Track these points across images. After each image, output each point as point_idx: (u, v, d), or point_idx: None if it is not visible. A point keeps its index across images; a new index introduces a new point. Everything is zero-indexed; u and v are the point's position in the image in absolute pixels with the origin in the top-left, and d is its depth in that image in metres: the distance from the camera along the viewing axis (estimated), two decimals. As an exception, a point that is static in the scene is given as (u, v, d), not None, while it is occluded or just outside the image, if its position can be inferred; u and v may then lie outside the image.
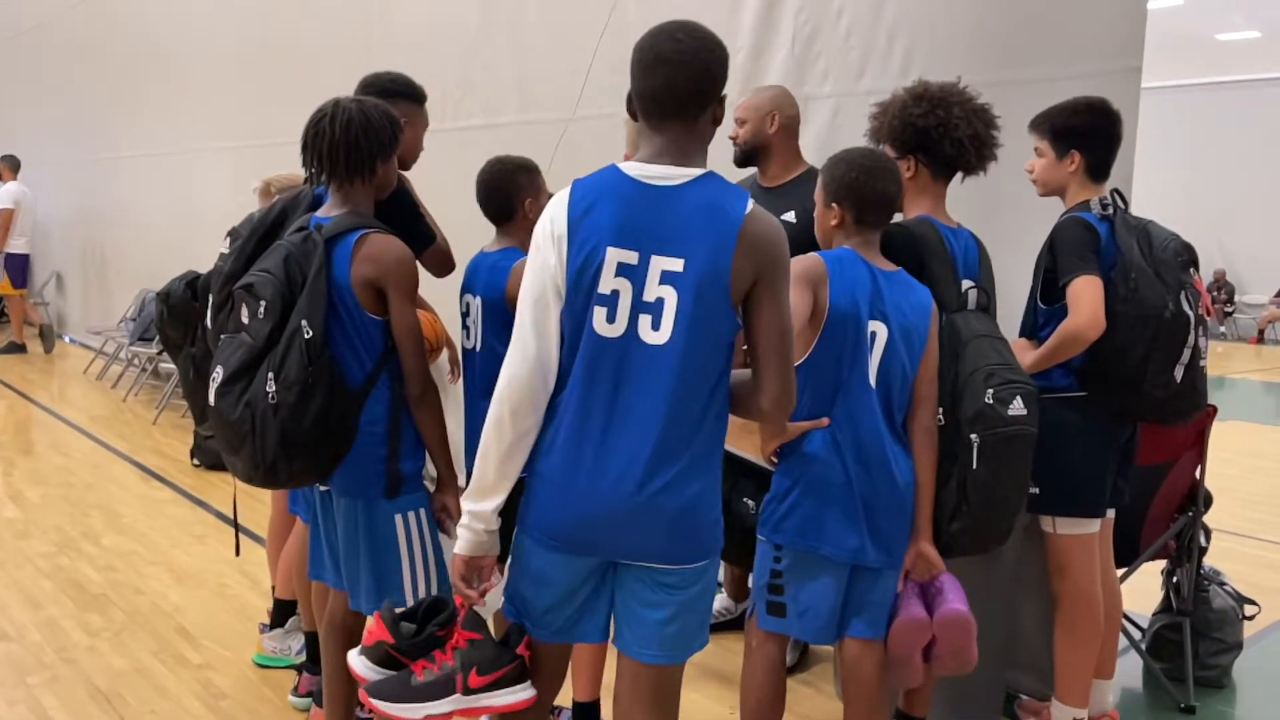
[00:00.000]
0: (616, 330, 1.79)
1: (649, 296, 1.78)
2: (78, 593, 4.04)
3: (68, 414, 7.45)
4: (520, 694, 1.95)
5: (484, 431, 1.85)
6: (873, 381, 2.31)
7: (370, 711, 2.96)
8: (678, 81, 1.80)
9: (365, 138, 2.31)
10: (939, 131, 2.63)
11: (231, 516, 5.00)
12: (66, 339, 11.07)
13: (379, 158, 2.35)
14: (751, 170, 3.40)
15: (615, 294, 1.78)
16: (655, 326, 1.78)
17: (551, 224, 1.82)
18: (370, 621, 2.07)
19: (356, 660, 2.00)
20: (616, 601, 1.91)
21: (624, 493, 1.78)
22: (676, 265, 1.77)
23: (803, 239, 3.22)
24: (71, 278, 11.20)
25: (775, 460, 2.38)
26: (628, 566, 1.87)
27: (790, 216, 3.27)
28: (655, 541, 1.82)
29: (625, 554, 1.85)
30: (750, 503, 2.81)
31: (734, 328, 1.83)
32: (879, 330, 2.31)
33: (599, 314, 1.79)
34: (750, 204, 1.82)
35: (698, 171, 1.82)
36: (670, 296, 1.77)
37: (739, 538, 2.80)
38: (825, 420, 2.31)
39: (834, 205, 2.40)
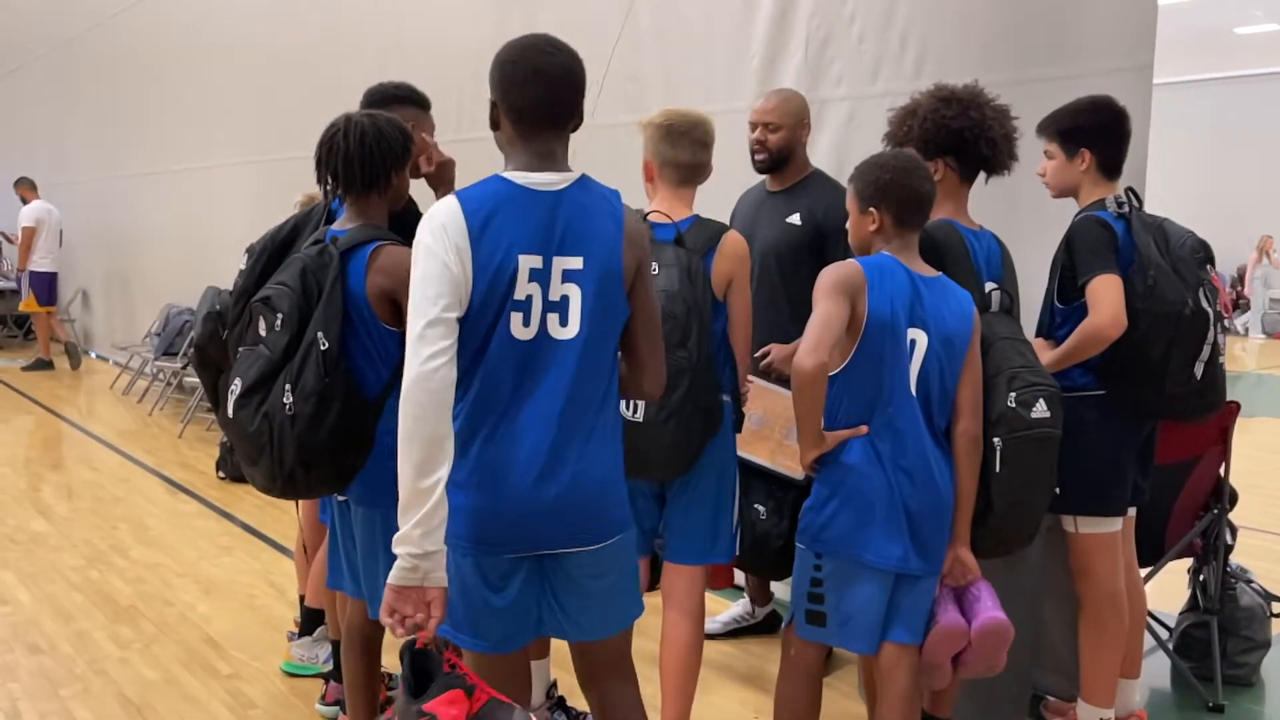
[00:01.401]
0: (531, 332, 1.86)
1: (554, 296, 1.87)
2: (108, 605, 4.09)
3: (95, 429, 7.54)
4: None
5: (400, 443, 1.77)
6: (913, 389, 2.29)
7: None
8: (555, 93, 1.89)
9: (379, 149, 2.34)
10: (973, 132, 2.64)
11: (259, 528, 5.06)
12: (93, 355, 11.21)
13: (393, 169, 2.38)
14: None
15: (529, 298, 1.85)
16: (563, 323, 1.87)
17: (446, 233, 1.81)
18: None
19: None
20: (548, 597, 1.96)
21: (545, 484, 1.85)
22: (576, 263, 1.87)
23: (805, 241, 3.25)
24: (96, 294, 11.34)
25: (815, 470, 2.37)
26: (553, 557, 1.92)
27: (795, 219, 3.28)
28: (575, 526, 1.90)
29: (550, 544, 1.90)
30: (760, 509, 2.81)
31: (625, 316, 1.95)
32: (919, 338, 2.29)
33: (515, 319, 1.85)
34: (620, 201, 1.96)
35: (575, 175, 1.91)
36: (574, 293, 1.87)
37: (749, 543, 2.81)
38: (864, 429, 2.30)
39: (871, 210, 2.37)
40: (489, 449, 1.86)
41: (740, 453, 2.77)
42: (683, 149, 2.65)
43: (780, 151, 3.31)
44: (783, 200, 3.35)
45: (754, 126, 3.33)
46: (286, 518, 3.66)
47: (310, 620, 3.42)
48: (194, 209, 8.73)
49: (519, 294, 1.84)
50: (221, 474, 6.05)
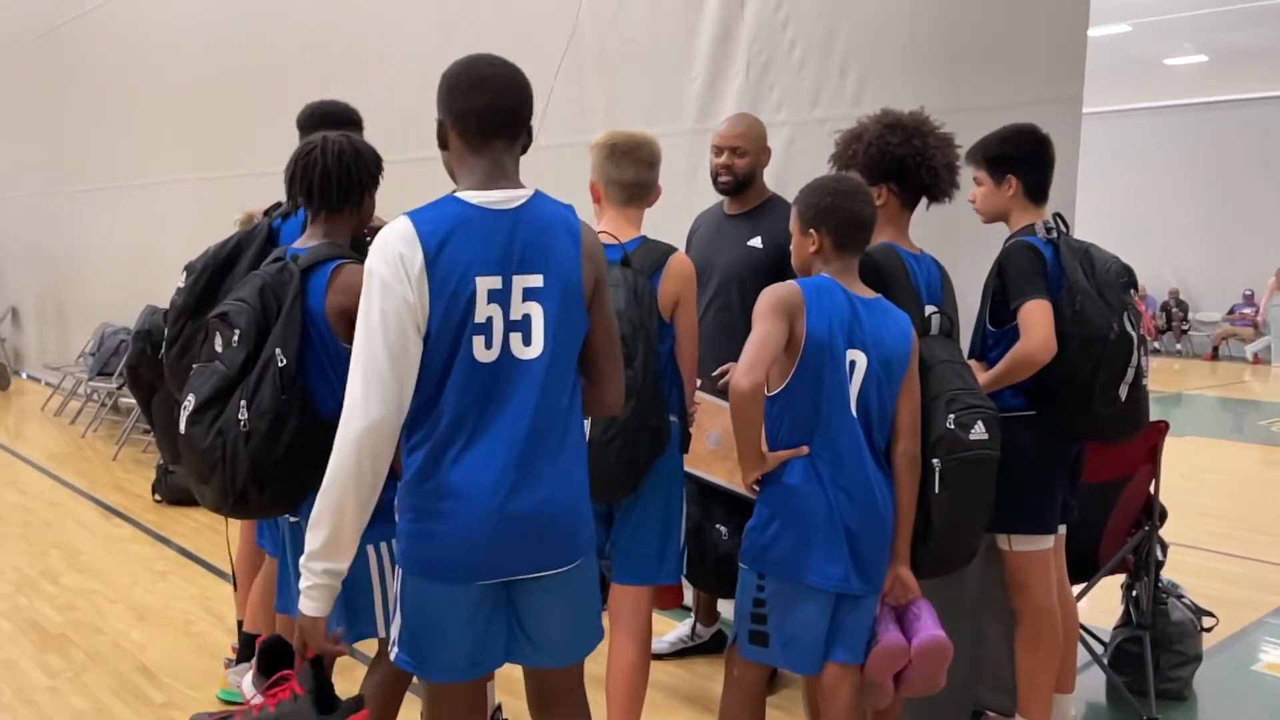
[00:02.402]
0: (493, 354, 1.83)
1: (516, 315, 1.84)
2: (37, 633, 3.97)
3: (25, 451, 7.33)
4: None
5: (335, 485, 1.77)
6: (853, 410, 2.32)
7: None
8: (502, 100, 1.88)
9: (357, 168, 2.35)
10: (915, 160, 2.69)
11: (196, 552, 4.95)
12: (23, 375, 10.91)
13: (367, 189, 2.40)
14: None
15: (489, 320, 1.82)
16: (526, 342, 1.85)
17: (401, 260, 1.76)
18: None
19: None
20: (510, 621, 1.93)
21: (514, 506, 1.83)
22: (537, 281, 1.85)
23: (769, 264, 3.28)
24: (28, 313, 11.04)
25: (756, 489, 2.39)
26: (521, 584, 1.90)
27: (756, 242, 3.32)
28: (542, 548, 1.87)
29: (517, 569, 1.87)
30: (722, 529, 2.82)
31: (584, 330, 1.94)
32: (858, 359, 2.32)
33: (477, 343, 1.82)
34: (576, 216, 1.94)
35: (529, 191, 1.90)
36: (535, 311, 1.85)
37: (711, 564, 2.82)
38: (805, 449, 2.31)
39: (811, 231, 2.40)
40: (455, 473, 1.82)
41: (699, 472, 2.78)
42: (626, 168, 2.67)
43: (745, 176, 3.36)
44: (744, 224, 3.39)
45: (719, 150, 3.37)
46: (224, 541, 3.59)
47: (248, 646, 3.35)
48: (131, 227, 8.56)
49: (479, 317, 1.81)
50: (158, 497, 5.92)
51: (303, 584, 1.82)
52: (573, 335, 1.91)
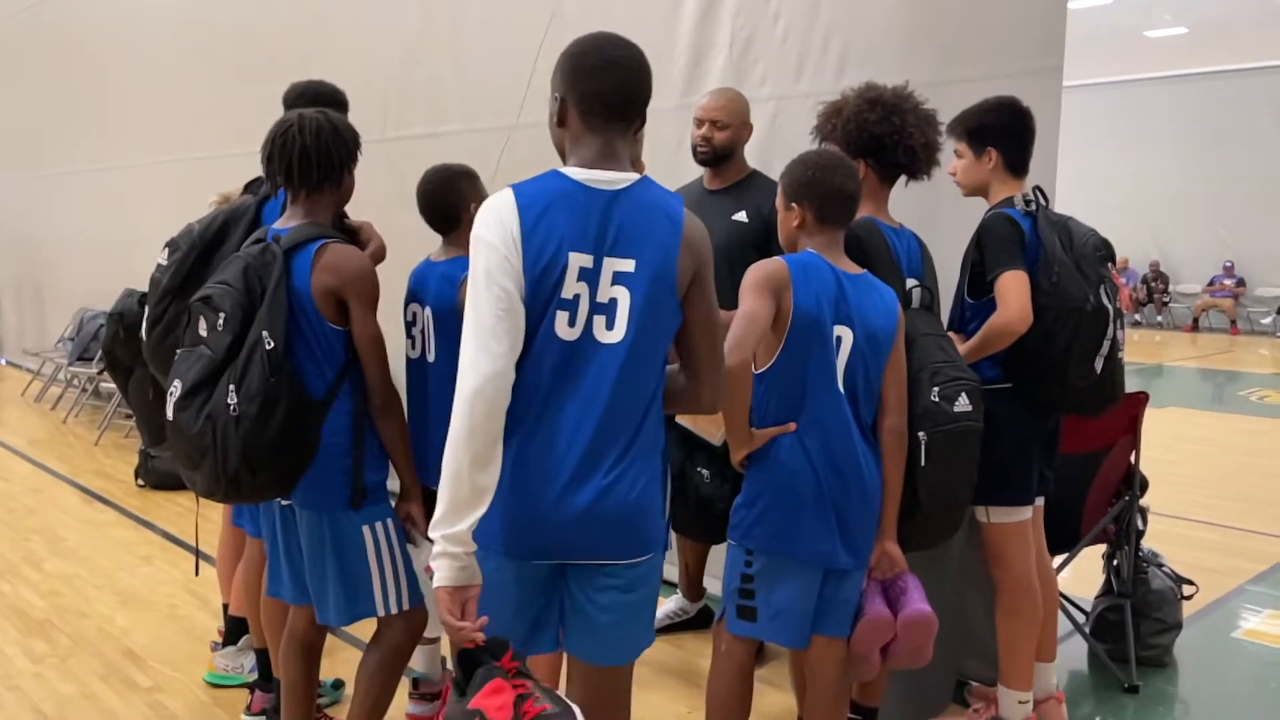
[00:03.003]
0: (575, 333, 1.81)
1: (602, 298, 1.81)
2: (20, 619, 3.96)
3: (5, 437, 7.27)
4: None
5: (452, 445, 1.73)
6: (840, 386, 2.32)
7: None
8: (629, 85, 1.85)
9: (335, 145, 2.32)
10: (893, 139, 2.67)
11: (182, 537, 4.93)
12: (2, 361, 10.81)
13: (347, 166, 2.37)
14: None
15: (576, 298, 1.80)
16: (609, 326, 1.81)
17: (502, 225, 1.77)
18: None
19: None
20: (566, 606, 1.91)
21: (575, 492, 1.80)
22: (628, 266, 1.81)
23: (755, 239, 3.27)
24: (6, 298, 10.92)
25: (744, 466, 2.39)
26: (577, 569, 1.87)
27: (742, 216, 3.31)
28: (607, 538, 1.83)
29: (579, 553, 1.84)
30: (704, 472, 2.83)
31: (676, 324, 1.88)
32: (844, 334, 2.31)
33: (561, 318, 1.79)
34: (683, 205, 1.89)
35: (635, 175, 1.86)
36: (623, 296, 1.81)
37: (693, 507, 2.82)
38: (792, 426, 2.31)
39: (794, 205, 2.40)
40: (525, 451, 1.80)
41: (686, 424, 2.77)
42: None
43: (724, 149, 3.35)
44: (727, 198, 3.37)
45: (700, 123, 3.36)
46: (210, 526, 3.57)
47: (234, 629, 3.35)
48: (109, 210, 8.47)
49: (566, 292, 1.78)
50: (141, 482, 5.89)
51: (432, 554, 1.77)
52: (660, 325, 1.85)
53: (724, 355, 1.95)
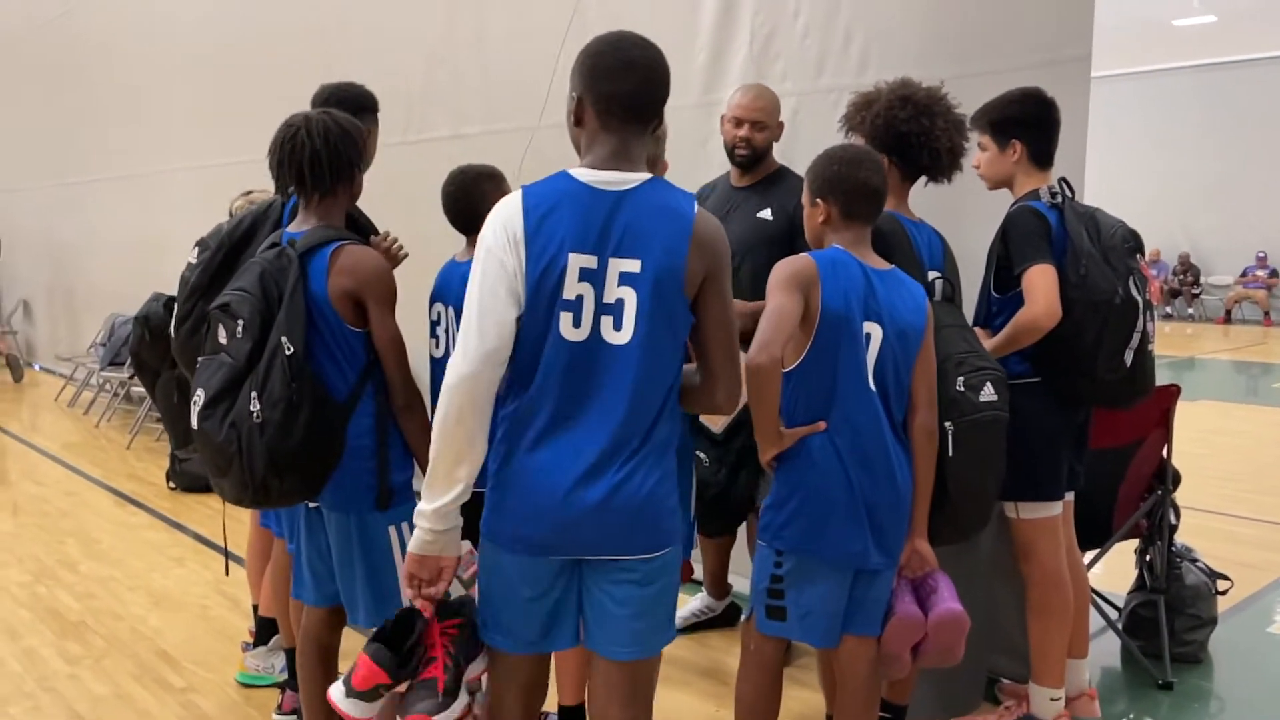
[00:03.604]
0: (582, 334, 1.82)
1: (609, 299, 1.82)
2: (56, 621, 4.01)
3: (40, 442, 7.38)
4: (484, 663, 2.03)
5: (435, 435, 1.84)
6: (871, 384, 2.29)
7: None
8: (648, 87, 1.86)
9: (344, 146, 2.32)
10: (919, 139, 2.66)
11: (213, 539, 4.98)
12: (36, 367, 10.96)
13: (357, 164, 2.37)
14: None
15: (580, 299, 1.81)
16: (617, 327, 1.82)
17: (505, 229, 1.82)
18: (354, 669, 1.97)
19: (347, 703, 1.94)
20: (584, 602, 1.93)
21: (588, 488, 1.82)
22: (634, 266, 1.82)
23: (780, 235, 3.25)
24: (38, 305, 11.09)
25: (774, 466, 2.37)
26: (594, 565, 1.89)
27: (767, 214, 3.27)
28: (620, 534, 1.85)
29: (592, 549, 1.86)
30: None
31: (688, 324, 1.89)
32: (873, 331, 2.29)
33: (565, 319, 1.82)
34: (697, 205, 1.89)
35: (646, 175, 1.87)
36: (630, 297, 1.82)
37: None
38: (822, 425, 2.29)
39: (819, 202, 2.38)
40: (536, 450, 1.84)
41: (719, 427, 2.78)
42: None
43: (763, 150, 3.30)
44: (753, 195, 3.34)
45: (739, 123, 3.28)
46: (240, 527, 3.61)
47: (265, 629, 3.38)
48: (138, 216, 8.57)
49: (568, 293, 1.81)
50: (172, 485, 5.95)
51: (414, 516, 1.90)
52: (669, 325, 1.85)
53: (737, 355, 1.95)
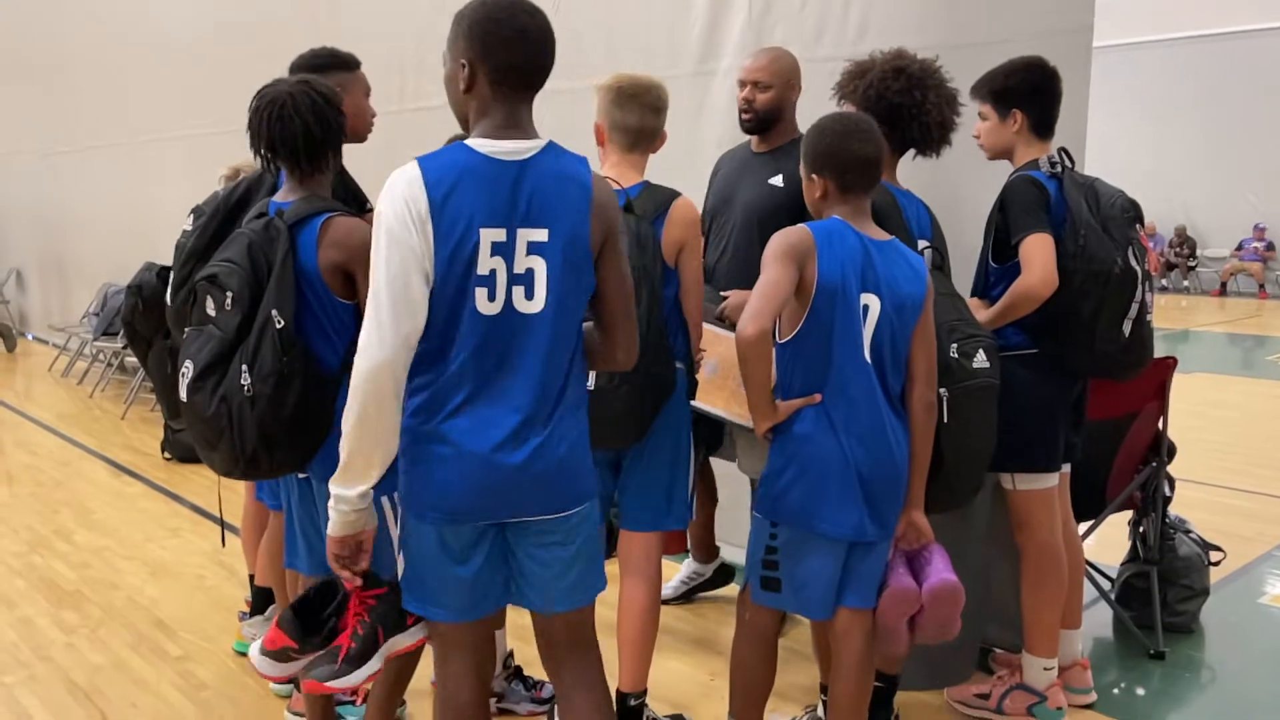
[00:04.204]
0: (496, 307, 1.83)
1: (519, 269, 1.83)
2: (52, 590, 4.01)
3: (34, 412, 7.36)
4: (416, 635, 2.04)
5: (349, 419, 1.82)
6: (867, 356, 2.28)
7: (354, 695, 2.97)
8: (542, 56, 1.87)
9: (331, 116, 2.28)
10: (911, 112, 2.64)
11: (209, 509, 4.99)
12: (29, 337, 10.92)
13: (344, 132, 2.35)
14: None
15: (493, 273, 1.82)
16: (529, 296, 1.84)
17: (408, 206, 1.78)
18: (268, 629, 2.08)
19: (259, 659, 2.04)
20: (513, 566, 1.96)
21: (510, 452, 1.84)
22: (542, 236, 1.84)
23: (789, 204, 3.20)
24: (31, 274, 11.02)
25: (769, 438, 2.37)
26: (514, 528, 1.92)
27: (777, 180, 3.19)
28: (541, 494, 1.89)
29: (513, 511, 1.89)
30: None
31: (592, 286, 1.94)
32: (871, 303, 2.27)
33: (480, 294, 1.81)
34: (590, 169, 1.92)
35: (542, 142, 1.87)
36: (539, 266, 1.84)
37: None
38: (817, 397, 2.28)
39: (815, 176, 2.36)
40: (455, 421, 1.84)
41: (697, 403, 2.77)
42: (631, 113, 2.62)
43: (768, 112, 3.18)
44: (767, 161, 3.27)
45: (742, 85, 3.21)
46: (235, 498, 3.60)
47: (261, 599, 3.38)
48: (131, 185, 8.50)
49: (481, 269, 1.80)
50: (167, 455, 5.95)
51: (329, 504, 1.91)
52: (577, 291, 1.90)
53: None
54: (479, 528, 1.90)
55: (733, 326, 2.98)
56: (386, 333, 1.78)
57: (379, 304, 1.78)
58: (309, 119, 2.24)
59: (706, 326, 2.81)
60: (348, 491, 1.87)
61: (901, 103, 2.63)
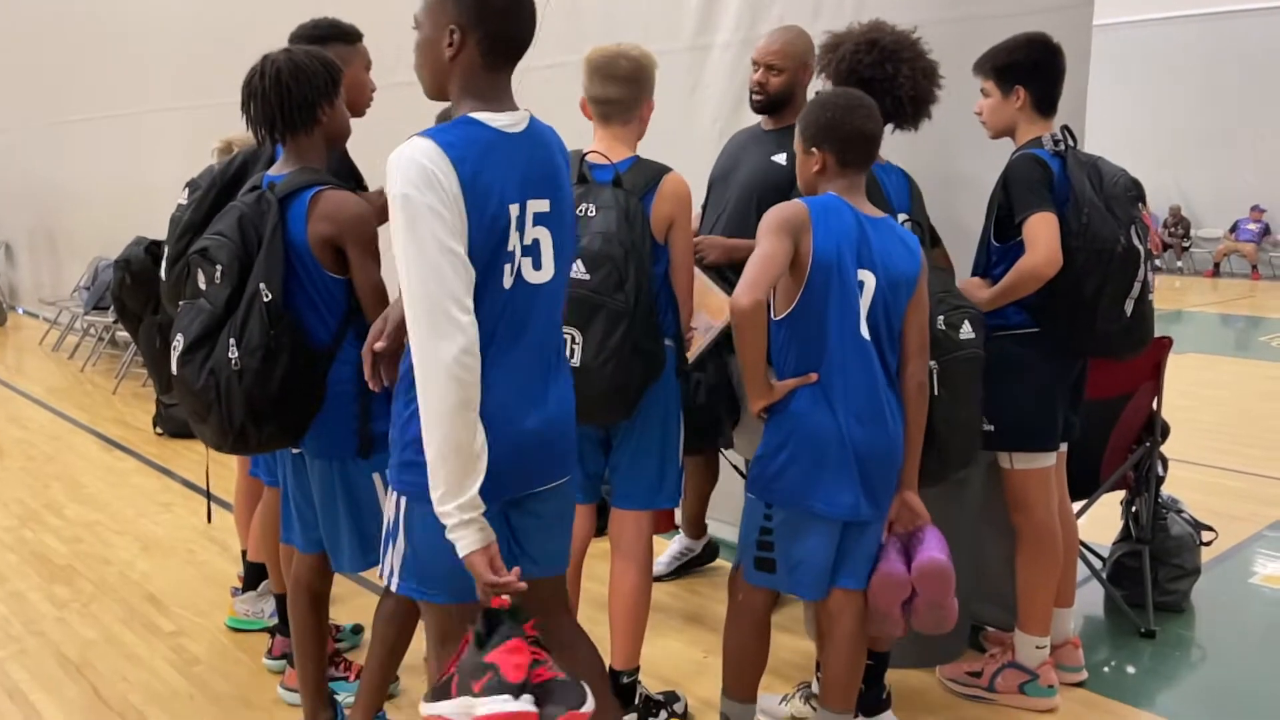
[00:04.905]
0: (510, 280, 1.79)
1: (528, 240, 1.82)
2: (43, 565, 4.00)
3: (24, 386, 7.33)
4: (505, 705, 1.59)
5: (438, 424, 1.66)
6: (865, 332, 2.26)
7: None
8: (530, 28, 1.84)
9: (297, 85, 2.24)
10: (882, 86, 2.60)
11: (200, 484, 4.97)
12: (19, 311, 10.86)
13: (320, 103, 2.28)
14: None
15: (514, 249, 1.79)
16: (537, 266, 1.83)
17: (441, 183, 1.66)
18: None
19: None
20: (513, 537, 1.92)
21: (526, 426, 1.82)
22: (544, 206, 1.83)
23: (788, 181, 3.15)
24: (20, 248, 10.95)
25: (764, 417, 2.35)
26: (520, 500, 1.90)
27: (781, 158, 3.16)
28: (551, 462, 1.90)
29: (544, 480, 1.90)
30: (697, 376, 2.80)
31: (577, 252, 1.99)
32: (867, 279, 2.25)
33: (506, 270, 1.77)
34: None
35: (526, 113, 1.86)
36: (545, 237, 1.84)
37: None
38: (814, 376, 2.27)
39: (814, 150, 2.33)
40: (485, 400, 1.74)
41: (694, 351, 2.73)
42: (596, 85, 2.58)
43: (780, 95, 3.14)
44: (774, 139, 3.22)
45: (756, 66, 3.16)
46: (228, 473, 3.59)
47: (253, 575, 3.38)
48: (123, 158, 8.43)
49: (510, 245, 1.77)
50: (159, 430, 5.93)
51: (449, 530, 1.70)
52: (570, 258, 1.95)
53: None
54: (500, 504, 1.86)
55: (719, 275, 2.92)
56: (454, 316, 1.64)
57: (429, 291, 1.64)
58: (270, 85, 2.22)
59: (701, 276, 2.77)
60: (460, 499, 1.67)
61: (873, 76, 2.61)
